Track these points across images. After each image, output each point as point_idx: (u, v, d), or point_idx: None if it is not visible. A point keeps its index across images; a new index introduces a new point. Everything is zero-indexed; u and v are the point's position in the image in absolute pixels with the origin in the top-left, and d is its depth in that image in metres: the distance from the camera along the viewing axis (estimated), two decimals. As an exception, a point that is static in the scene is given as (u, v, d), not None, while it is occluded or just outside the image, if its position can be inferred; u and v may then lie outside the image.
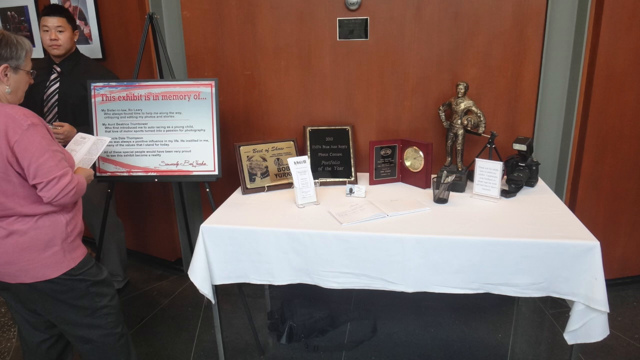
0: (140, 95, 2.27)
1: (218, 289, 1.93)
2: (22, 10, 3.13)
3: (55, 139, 1.60)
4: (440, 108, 2.31)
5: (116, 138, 2.28)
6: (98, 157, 2.01)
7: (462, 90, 2.18)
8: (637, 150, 2.47)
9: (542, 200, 2.03)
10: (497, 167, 2.01)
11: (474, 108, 2.18)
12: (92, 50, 2.89)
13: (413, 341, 2.37)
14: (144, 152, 2.29)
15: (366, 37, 2.41)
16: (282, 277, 1.83)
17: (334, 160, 2.41)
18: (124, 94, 2.27)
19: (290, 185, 2.18)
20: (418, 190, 2.22)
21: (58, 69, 2.41)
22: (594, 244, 1.58)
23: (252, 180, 2.26)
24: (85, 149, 1.93)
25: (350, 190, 2.15)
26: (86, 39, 2.91)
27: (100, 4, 2.82)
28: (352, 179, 2.36)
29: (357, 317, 2.54)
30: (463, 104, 2.19)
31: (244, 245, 1.81)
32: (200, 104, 2.25)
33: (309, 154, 2.39)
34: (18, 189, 1.48)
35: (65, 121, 2.24)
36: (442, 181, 1.99)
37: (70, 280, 1.58)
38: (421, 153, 2.22)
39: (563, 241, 1.61)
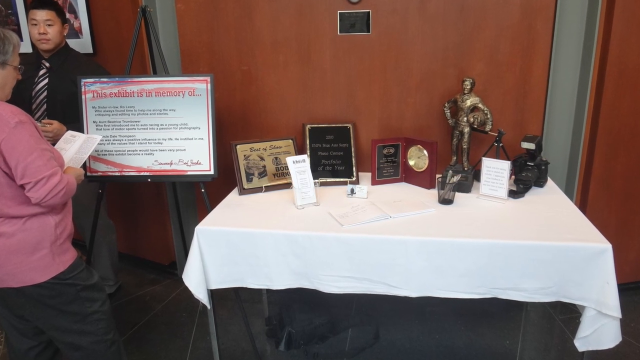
0: (133, 92, 2.27)
1: (214, 294, 1.93)
2: (9, 3, 3.13)
3: (44, 137, 1.60)
4: (446, 105, 2.32)
5: (107, 136, 2.28)
6: (89, 156, 2.01)
7: (468, 87, 2.18)
8: (651, 148, 2.47)
9: (551, 201, 2.03)
10: (504, 166, 2.01)
11: (480, 105, 2.18)
12: (82, 44, 2.89)
13: (417, 348, 2.37)
14: (136, 150, 2.29)
15: (368, 31, 2.41)
16: (280, 281, 1.83)
17: (334, 159, 2.41)
18: (116, 91, 2.27)
19: (289, 185, 2.18)
20: (422, 190, 2.22)
21: (47, 65, 2.41)
22: (606, 246, 1.58)
23: (249, 180, 2.26)
24: (75, 147, 1.93)
25: (352, 191, 2.15)
26: (76, 33, 2.91)
27: (91, -3, 2.82)
28: (354, 179, 2.36)
29: (358, 323, 2.54)
30: (469, 101, 2.19)
31: (241, 248, 1.81)
32: (195, 101, 2.25)
33: (308, 153, 2.39)
34: (5, 189, 1.48)
35: (55, 118, 2.24)
36: (447, 181, 1.99)
37: (59, 284, 1.58)
38: (425, 152, 2.23)
39: (573, 244, 1.61)
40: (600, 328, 1.59)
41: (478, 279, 1.68)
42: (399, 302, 2.48)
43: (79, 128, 2.24)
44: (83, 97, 2.28)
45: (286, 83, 2.55)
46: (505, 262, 1.64)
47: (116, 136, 2.29)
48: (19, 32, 3.15)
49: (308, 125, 2.47)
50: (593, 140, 2.45)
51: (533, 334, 2.46)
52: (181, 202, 2.91)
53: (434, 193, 2.13)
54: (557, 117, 2.54)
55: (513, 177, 2.19)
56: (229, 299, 2.76)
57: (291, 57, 2.51)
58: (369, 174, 2.38)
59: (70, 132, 2.03)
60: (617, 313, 1.55)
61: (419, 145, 2.26)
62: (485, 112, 2.18)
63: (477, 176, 2.20)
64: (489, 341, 2.40)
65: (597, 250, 1.58)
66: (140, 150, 2.29)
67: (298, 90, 2.55)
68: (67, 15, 2.78)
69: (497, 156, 2.17)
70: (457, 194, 2.06)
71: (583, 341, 1.63)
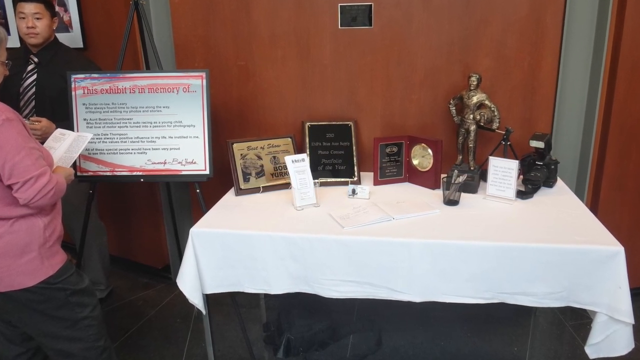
0: (125, 88, 2.27)
1: (209, 299, 1.93)
2: (-3, -4, 3.14)
3: (33, 135, 1.60)
4: (451, 102, 2.31)
5: (98, 134, 2.28)
6: (79, 155, 2.01)
7: (475, 83, 2.18)
8: (665, 147, 2.47)
9: (561, 201, 2.03)
10: (512, 166, 2.01)
11: (487, 102, 2.18)
12: (72, 39, 2.89)
13: (421, 355, 2.37)
14: (128, 149, 2.29)
15: (370, 24, 2.41)
16: (278, 286, 1.83)
17: (335, 158, 2.41)
18: (107, 87, 2.27)
19: (287, 185, 2.18)
20: (426, 191, 2.23)
21: (35, 60, 2.41)
22: (618, 249, 1.58)
23: (246, 180, 2.26)
24: (64, 146, 1.94)
25: (353, 191, 2.15)
26: (66, 27, 2.91)
27: (81, -11, 2.82)
28: (355, 178, 2.36)
29: (360, 329, 2.54)
30: (475, 98, 2.19)
31: (238, 251, 1.81)
32: (189, 98, 2.25)
33: (308, 152, 2.39)
34: (-8, 189, 1.48)
35: (43, 116, 2.24)
36: (452, 181, 1.99)
37: (48, 289, 1.58)
38: (430, 151, 2.23)
39: (584, 246, 1.61)
40: (612, 334, 1.59)
41: (484, 283, 1.68)
42: (402, 307, 2.48)
43: (69, 126, 2.23)
44: (73, 93, 2.28)
45: (285, 79, 2.55)
46: (513, 265, 1.64)
47: (107, 134, 2.29)
48: (6, 26, 3.15)
49: (307, 123, 2.47)
50: (605, 138, 2.45)
51: (542, 340, 2.46)
52: (175, 203, 2.91)
53: (438, 194, 2.13)
54: (567, 115, 2.54)
55: (521, 177, 2.18)
56: (225, 304, 2.76)
57: (290, 52, 2.51)
58: (371, 174, 2.37)
59: (59, 130, 2.03)
60: (629, 319, 1.55)
61: (423, 144, 2.26)
62: (492, 109, 2.18)
63: (483, 176, 2.20)
64: (496, 348, 2.40)
65: (609, 253, 1.58)
66: (132, 149, 2.29)
67: (297, 86, 2.55)
68: (57, 8, 2.78)
69: (504, 155, 2.17)
70: (462, 194, 2.06)
71: (594, 348, 1.62)
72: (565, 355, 2.35)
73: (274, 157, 2.33)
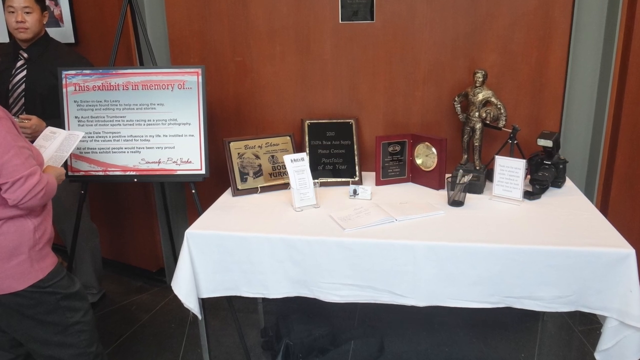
0: (118, 85, 2.27)
1: (205, 303, 1.93)
2: (-15, -11, 3.13)
3: (22, 133, 1.60)
4: (456, 99, 2.32)
5: (90, 133, 2.28)
6: (70, 154, 2.01)
7: (480, 79, 2.18)
8: (678, 146, 2.47)
9: (570, 202, 2.03)
10: (519, 165, 2.01)
11: (493, 99, 2.18)
12: (63, 33, 2.89)
13: (425, 361, 2.37)
14: (121, 148, 2.29)
15: (372, 18, 2.41)
16: (277, 290, 1.83)
17: (335, 157, 2.41)
18: (100, 83, 2.27)
19: (286, 185, 2.19)
20: (430, 191, 2.23)
21: (25, 55, 2.41)
22: (629, 251, 1.58)
23: (243, 180, 2.26)
24: (55, 145, 1.94)
25: (354, 192, 2.15)
26: (57, 21, 2.91)
27: (73, -18, 2.82)
28: (356, 178, 2.36)
29: (361, 334, 2.54)
30: (481, 95, 2.19)
31: (235, 253, 1.82)
32: (185, 95, 2.25)
33: (307, 151, 2.40)
34: (-20, 190, 1.48)
35: (33, 113, 2.24)
36: (457, 181, 1.99)
37: (38, 293, 1.58)
38: (434, 150, 2.23)
39: (594, 249, 1.61)
40: (623, 340, 1.59)
41: (491, 287, 1.68)
42: (405, 312, 2.48)
43: (60, 124, 2.24)
44: (64, 90, 2.28)
45: (283, 75, 2.55)
46: (520, 268, 1.64)
47: (100, 133, 2.29)
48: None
49: (307, 121, 2.47)
50: (615, 137, 2.45)
51: (550, 346, 2.46)
52: (170, 204, 2.91)
53: (443, 194, 2.13)
54: (576, 112, 2.54)
55: (528, 177, 2.19)
56: (221, 309, 2.76)
57: (289, 47, 2.51)
58: (373, 174, 2.38)
59: (50, 129, 2.03)
60: (641, 324, 1.55)
61: (427, 143, 2.26)
62: (499, 106, 2.18)
63: (489, 176, 2.20)
64: (502, 354, 2.40)
65: (620, 256, 1.58)
66: (125, 148, 2.29)
67: (296, 83, 2.56)
68: (47, 2, 2.78)
69: (511, 154, 2.17)
70: (468, 195, 2.06)
71: (604, 354, 1.63)
72: (574, 362, 2.36)
73: (273, 156, 2.33)
